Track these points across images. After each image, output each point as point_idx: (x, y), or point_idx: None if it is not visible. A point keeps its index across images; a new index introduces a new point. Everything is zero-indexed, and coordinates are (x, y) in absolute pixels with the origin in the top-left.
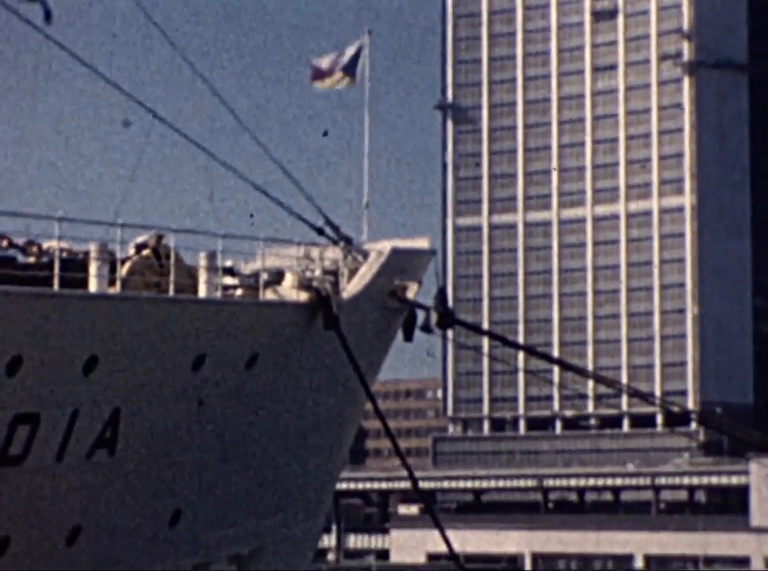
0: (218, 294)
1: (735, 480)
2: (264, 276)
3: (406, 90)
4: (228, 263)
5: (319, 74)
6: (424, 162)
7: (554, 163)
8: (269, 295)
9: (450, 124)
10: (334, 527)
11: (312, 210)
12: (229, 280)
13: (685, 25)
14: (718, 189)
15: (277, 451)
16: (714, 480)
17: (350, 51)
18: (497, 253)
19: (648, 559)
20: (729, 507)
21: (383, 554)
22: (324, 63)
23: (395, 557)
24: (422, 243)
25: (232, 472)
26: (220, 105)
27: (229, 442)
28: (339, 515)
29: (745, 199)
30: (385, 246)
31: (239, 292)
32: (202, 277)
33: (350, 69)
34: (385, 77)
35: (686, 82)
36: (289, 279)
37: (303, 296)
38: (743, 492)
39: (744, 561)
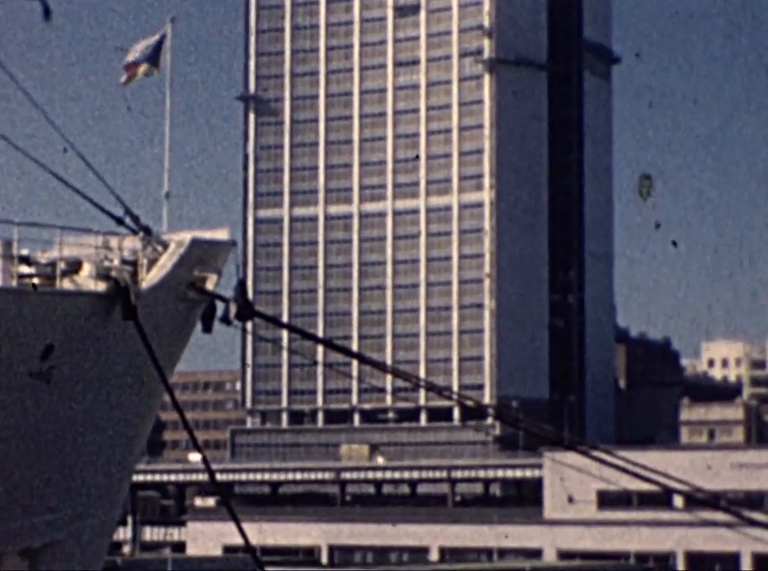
0: (13, 283)
1: (529, 473)
2: (61, 265)
3: (208, 80)
4: (25, 252)
5: (127, 70)
6: (225, 153)
7: (356, 157)
8: (66, 284)
9: (252, 116)
10: (130, 520)
11: (111, 199)
12: (25, 269)
13: (486, 23)
14: (516, 186)
15: (72, 442)
16: (509, 473)
17: (152, 40)
18: (298, 246)
19: (443, 551)
20: (523, 500)
21: (180, 547)
22: (130, 56)
23: (191, 550)
24: (222, 234)
25: (24, 462)
26: (18, 92)
27: (23, 433)
28: (136, 507)
29: (543, 196)
30: (185, 236)
31: (35, 281)
32: None
33: (152, 58)
34: (187, 67)
35: (486, 79)
36: (86, 268)
37: (101, 285)
38: (536, 485)
39: (537, 553)
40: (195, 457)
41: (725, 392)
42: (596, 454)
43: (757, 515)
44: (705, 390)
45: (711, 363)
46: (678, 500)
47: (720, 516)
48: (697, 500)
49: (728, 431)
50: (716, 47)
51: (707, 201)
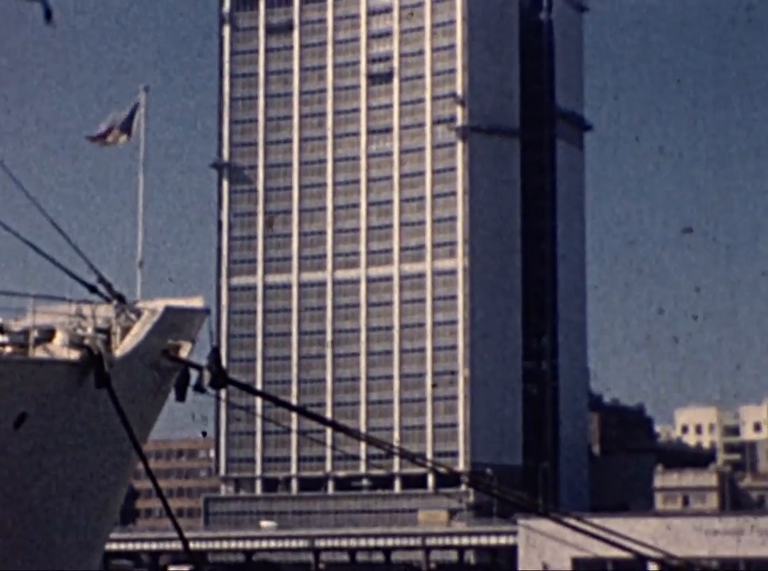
0: None
1: (503, 540)
2: (34, 333)
3: (182, 148)
4: None
5: (100, 137)
6: (199, 220)
7: (329, 224)
8: (39, 353)
9: (225, 183)
10: None
11: (84, 267)
12: None
13: (459, 91)
14: (490, 253)
15: (46, 511)
16: (483, 540)
17: (126, 109)
18: (271, 313)
19: None
20: (498, 567)
21: None
22: (103, 126)
23: None
24: (196, 302)
25: None
26: None
27: None
28: None
29: (516, 263)
30: (159, 304)
31: (8, 349)
32: None
33: (126, 126)
34: (161, 135)
35: (459, 147)
36: (59, 337)
37: (74, 354)
38: (511, 552)
39: None
40: (267, 523)
41: (699, 459)
42: (570, 521)
43: None
44: (679, 456)
45: (684, 429)
46: (653, 567)
47: None
48: (671, 567)
49: (702, 497)
50: (688, 115)
51: (679, 267)
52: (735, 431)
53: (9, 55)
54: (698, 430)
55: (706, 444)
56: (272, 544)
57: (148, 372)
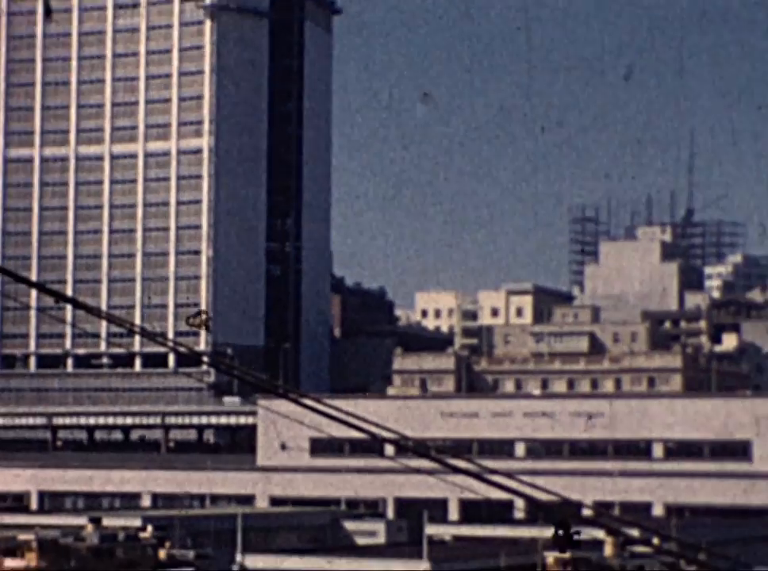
0: None
1: (243, 420)
2: None
3: None
4: None
5: None
6: None
7: (73, 99)
8: None
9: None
10: None
11: None
12: None
13: None
14: (236, 133)
15: None
16: (223, 420)
17: None
18: (12, 187)
19: (156, 497)
20: (237, 446)
21: None
22: None
23: None
24: None
25: None
26: None
27: None
28: None
29: (262, 144)
30: None
31: None
32: None
33: None
34: None
35: (208, 25)
36: None
37: None
38: (250, 432)
39: (249, 499)
40: (229, 399)
41: (437, 343)
42: (308, 402)
43: (462, 463)
44: (418, 340)
45: (424, 313)
46: (389, 449)
47: (428, 464)
48: (407, 448)
49: (440, 380)
50: (435, 3)
51: (424, 150)
52: (472, 315)
53: None
54: (437, 314)
55: (444, 328)
56: (9, 421)
57: None
